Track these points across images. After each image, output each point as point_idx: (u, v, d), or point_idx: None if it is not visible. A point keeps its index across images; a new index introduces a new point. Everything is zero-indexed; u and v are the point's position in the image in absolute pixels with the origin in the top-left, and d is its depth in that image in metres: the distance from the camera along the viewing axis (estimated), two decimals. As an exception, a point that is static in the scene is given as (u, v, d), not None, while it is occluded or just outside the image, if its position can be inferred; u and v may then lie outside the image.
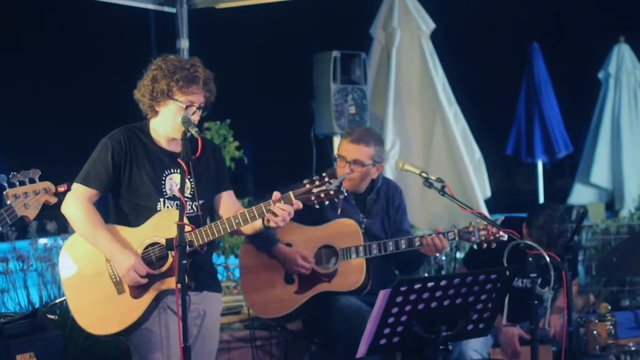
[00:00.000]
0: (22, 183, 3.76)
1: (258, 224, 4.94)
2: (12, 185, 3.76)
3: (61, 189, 4.01)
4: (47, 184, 3.90)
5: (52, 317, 5.44)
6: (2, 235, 7.48)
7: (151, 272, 4.87)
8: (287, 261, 5.95)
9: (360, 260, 5.92)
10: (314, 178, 4.81)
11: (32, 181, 3.83)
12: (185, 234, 4.66)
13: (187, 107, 4.89)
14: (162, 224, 4.90)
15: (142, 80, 4.97)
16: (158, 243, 4.91)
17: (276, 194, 4.80)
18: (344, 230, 6.01)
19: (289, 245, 6.00)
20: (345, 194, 4.88)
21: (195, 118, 4.92)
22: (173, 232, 4.72)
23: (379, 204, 6.27)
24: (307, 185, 4.80)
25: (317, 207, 4.84)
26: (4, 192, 3.74)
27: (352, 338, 5.23)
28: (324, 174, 4.81)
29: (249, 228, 4.98)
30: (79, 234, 5.00)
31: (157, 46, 11.92)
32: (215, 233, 4.84)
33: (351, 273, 5.93)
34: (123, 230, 4.99)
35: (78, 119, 12.77)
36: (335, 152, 6.11)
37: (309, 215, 5.54)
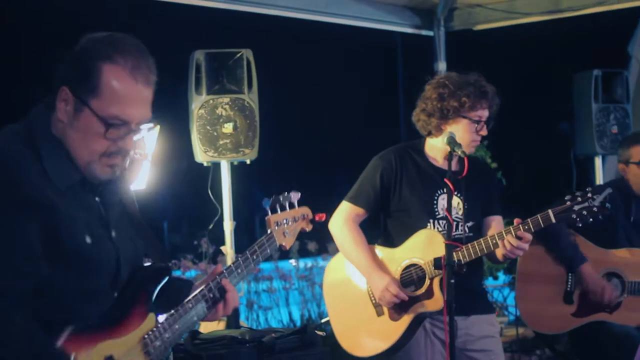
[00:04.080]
0: (282, 208, 3.64)
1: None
2: (273, 210, 3.64)
3: (319, 218, 3.97)
4: (306, 210, 3.74)
5: (321, 333, 5.56)
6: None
7: (406, 293, 4.84)
8: (592, 288, 5.69)
9: None
10: (576, 194, 4.62)
11: (292, 206, 3.69)
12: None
13: (476, 122, 4.84)
14: (421, 245, 4.88)
15: (425, 101, 4.93)
16: (417, 264, 4.88)
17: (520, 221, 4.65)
18: (637, 260, 5.71)
19: None
20: (609, 209, 4.64)
21: (483, 133, 4.87)
22: (432, 253, 4.74)
23: None
24: (568, 203, 4.62)
25: (580, 225, 4.68)
26: (267, 218, 3.61)
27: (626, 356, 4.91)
28: (587, 189, 4.62)
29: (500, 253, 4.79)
30: (340, 250, 5.09)
31: (407, 69, 12.01)
32: (472, 254, 4.72)
33: (636, 310, 5.62)
34: (383, 251, 5.02)
35: (327, 142, 13.04)
36: (636, 159, 5.79)
37: (603, 232, 5.45)
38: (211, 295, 3.33)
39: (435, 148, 4.99)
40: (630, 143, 5.94)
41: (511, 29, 9.56)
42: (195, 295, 3.30)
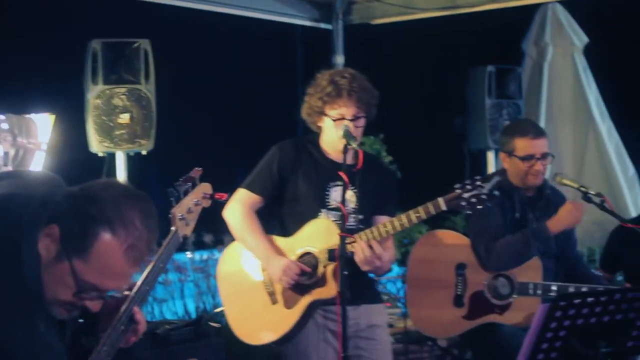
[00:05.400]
0: (185, 192, 3.55)
1: None
2: (178, 199, 3.53)
3: (219, 197, 3.94)
4: (206, 188, 3.66)
5: (215, 325, 5.59)
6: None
7: (306, 269, 4.90)
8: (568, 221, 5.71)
9: (537, 300, 5.63)
10: (465, 182, 4.73)
11: (194, 185, 3.61)
12: (347, 245, 4.68)
13: (335, 120, 4.92)
14: (315, 234, 4.94)
15: (305, 98, 5.07)
16: (310, 252, 4.94)
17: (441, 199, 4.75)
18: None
19: (462, 265, 5.78)
20: (498, 196, 4.77)
21: (352, 131, 4.86)
22: (325, 242, 4.83)
23: (549, 212, 5.87)
24: (458, 191, 4.72)
25: (470, 213, 4.78)
26: (172, 212, 3.49)
27: (509, 357, 4.93)
28: (476, 178, 4.73)
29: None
30: (236, 238, 5.11)
31: (306, 62, 12.06)
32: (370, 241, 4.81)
33: (526, 310, 5.64)
34: (278, 240, 5.06)
35: (225, 134, 12.99)
36: (519, 153, 5.82)
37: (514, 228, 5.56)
38: (122, 328, 3.23)
39: (327, 141, 5.06)
40: (513, 133, 5.95)
41: (409, 24, 9.69)
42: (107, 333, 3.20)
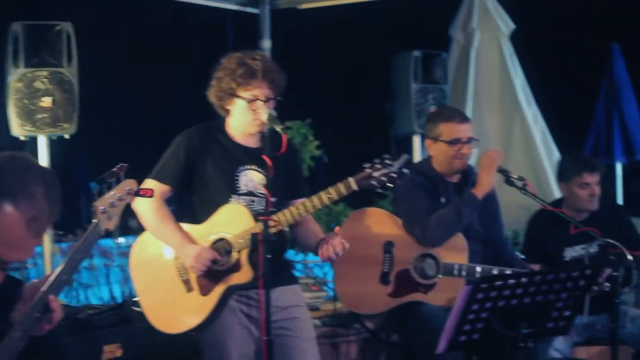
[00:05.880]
0: (109, 186, 3.55)
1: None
2: (102, 192, 3.54)
3: (144, 193, 3.86)
4: (131, 184, 3.63)
5: (138, 309, 5.54)
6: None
7: (218, 257, 4.87)
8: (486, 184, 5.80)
9: (461, 281, 5.68)
10: (374, 161, 4.73)
11: (118, 181, 3.59)
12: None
13: (250, 101, 4.88)
14: (228, 219, 4.91)
15: (211, 82, 5.01)
16: (224, 238, 4.91)
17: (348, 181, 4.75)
18: (451, 243, 5.79)
19: (390, 243, 5.81)
20: (408, 175, 4.80)
21: (263, 112, 4.86)
22: (238, 227, 4.81)
23: None
24: (368, 170, 4.71)
25: (381, 191, 4.79)
26: (94, 206, 3.50)
27: (432, 338, 4.95)
28: (385, 156, 4.73)
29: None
30: (147, 228, 5.04)
31: (235, 47, 12.01)
32: (281, 224, 4.82)
33: (449, 291, 5.68)
34: (190, 228, 5.02)
35: (150, 118, 12.90)
36: (445, 137, 5.85)
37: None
38: (37, 315, 3.23)
39: (234, 126, 5.02)
40: (438, 119, 5.99)
41: (337, 9, 9.68)
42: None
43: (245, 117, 4.92)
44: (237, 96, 4.92)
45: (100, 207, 3.48)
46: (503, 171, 5.84)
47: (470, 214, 5.78)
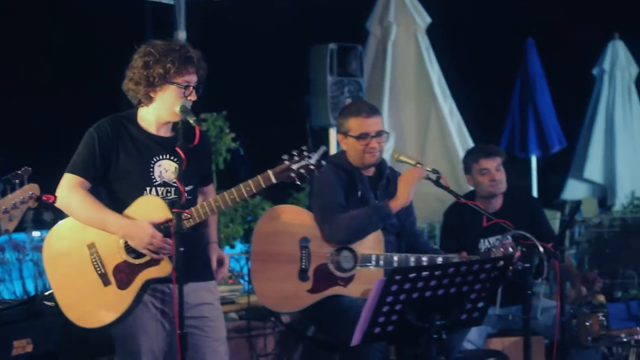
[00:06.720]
0: (12, 188, 3.55)
1: None
2: (4, 193, 3.55)
3: (46, 199, 3.82)
4: (33, 188, 3.63)
5: (50, 304, 5.45)
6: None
7: (132, 260, 4.82)
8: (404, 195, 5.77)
9: (379, 271, 5.71)
10: (292, 153, 4.72)
11: (21, 184, 3.59)
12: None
13: (185, 87, 4.81)
14: (143, 211, 4.83)
15: (132, 70, 4.89)
16: None
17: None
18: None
19: (306, 239, 5.77)
20: (325, 167, 4.81)
21: (192, 98, 4.85)
22: (154, 219, 4.74)
23: (390, 190, 5.92)
24: (286, 162, 4.71)
25: (299, 183, 4.79)
26: None
27: (352, 329, 4.82)
28: (303, 148, 4.73)
29: None
30: (83, 219, 4.88)
31: (153, 38, 11.93)
32: (197, 218, 4.78)
33: (369, 282, 5.54)
34: None
35: (68, 110, 12.76)
36: (354, 132, 5.86)
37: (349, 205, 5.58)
38: None
39: (148, 116, 4.95)
40: (347, 114, 5.99)
41: (252, 1, 9.66)
42: None
43: (174, 104, 4.83)
44: (171, 82, 4.83)
45: (3, 207, 3.46)
46: (417, 164, 5.85)
47: (380, 224, 5.79)
